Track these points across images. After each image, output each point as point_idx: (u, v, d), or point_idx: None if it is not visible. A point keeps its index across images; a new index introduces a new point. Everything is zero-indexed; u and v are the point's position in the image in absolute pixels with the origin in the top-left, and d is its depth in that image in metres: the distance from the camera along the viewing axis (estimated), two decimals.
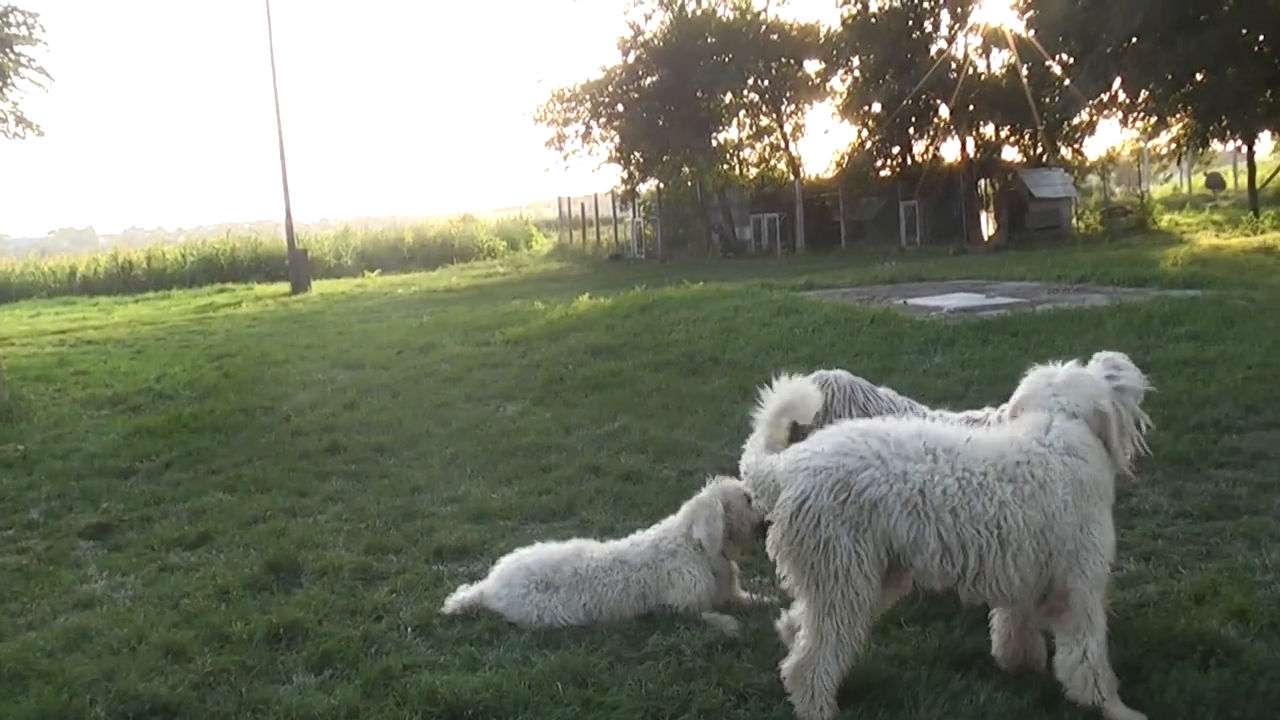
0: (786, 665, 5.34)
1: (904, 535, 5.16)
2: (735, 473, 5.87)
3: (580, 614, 6.69)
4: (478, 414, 13.04)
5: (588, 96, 49.05)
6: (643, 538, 7.15)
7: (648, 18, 48.65)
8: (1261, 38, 38.85)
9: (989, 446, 5.33)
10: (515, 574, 6.87)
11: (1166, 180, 63.43)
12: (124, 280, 50.35)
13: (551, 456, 10.77)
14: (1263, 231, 32.90)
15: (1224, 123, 40.81)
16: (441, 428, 12.37)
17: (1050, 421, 5.42)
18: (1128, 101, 42.19)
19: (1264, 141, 49.35)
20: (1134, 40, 37.85)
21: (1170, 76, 38.27)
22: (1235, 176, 56.53)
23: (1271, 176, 52.45)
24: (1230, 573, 6.73)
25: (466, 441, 11.65)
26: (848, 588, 5.17)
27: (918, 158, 46.76)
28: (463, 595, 7.00)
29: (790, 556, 5.28)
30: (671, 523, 7.20)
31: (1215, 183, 60.42)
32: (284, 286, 41.31)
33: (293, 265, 41.95)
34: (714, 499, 7.06)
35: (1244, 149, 44.75)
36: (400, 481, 10.25)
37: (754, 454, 5.55)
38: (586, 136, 49.59)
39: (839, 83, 48.39)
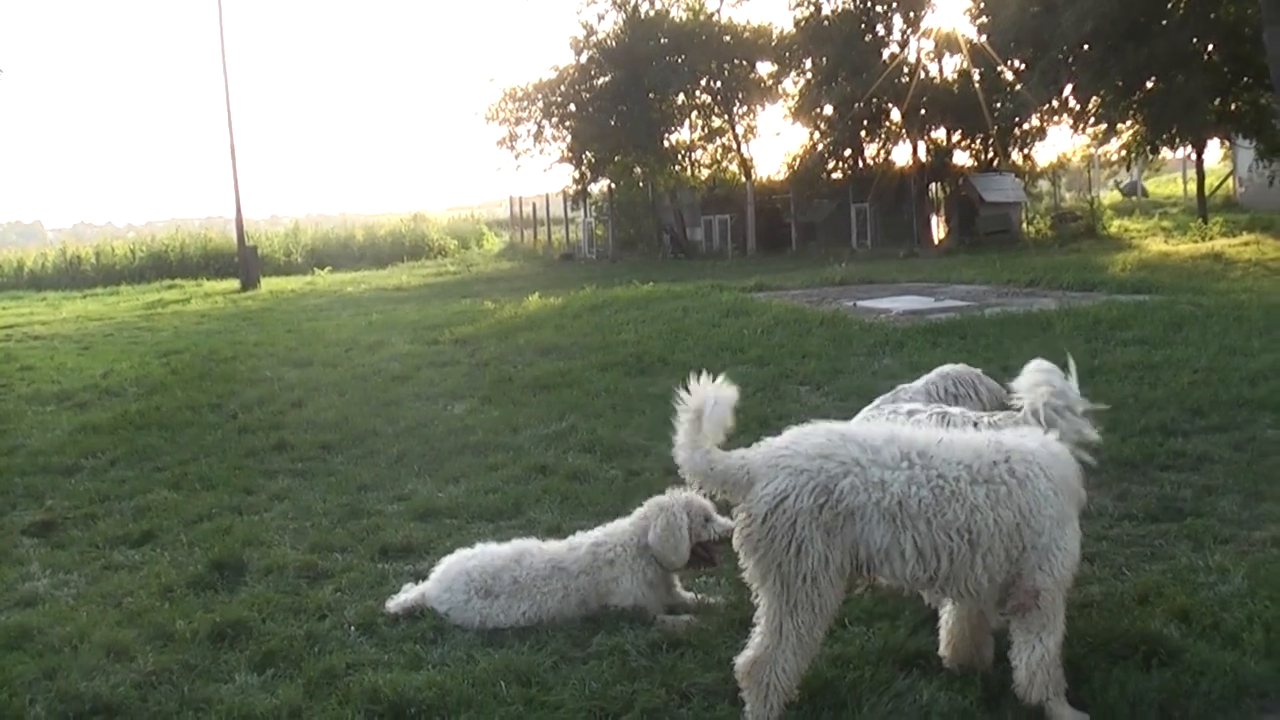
0: (741, 660, 5.30)
1: (877, 543, 5.16)
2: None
3: (521, 620, 6.63)
4: (426, 412, 13.02)
5: (540, 96, 49.03)
6: (581, 540, 7.07)
7: (600, 18, 48.67)
8: (1211, 46, 39.21)
9: (964, 448, 5.36)
10: (457, 579, 6.80)
11: (1117, 186, 63.85)
12: (72, 276, 50.05)
13: (499, 455, 10.75)
14: (1211, 238, 33.19)
15: (1173, 130, 41.10)
16: (389, 426, 12.34)
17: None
18: (1078, 108, 42.47)
19: (1213, 149, 49.85)
20: (1085, 47, 38.14)
21: (1120, 83, 38.56)
22: (1185, 184, 56.98)
23: (1220, 184, 52.96)
24: (1174, 574, 6.80)
25: (414, 440, 11.62)
26: (814, 590, 5.15)
27: (869, 161, 46.94)
28: (404, 597, 6.96)
29: (759, 551, 5.22)
30: (616, 527, 7.13)
31: (1131, 191, 60.92)
32: (234, 283, 41.15)
33: (242, 262, 41.77)
34: (678, 510, 6.95)
35: (1193, 156, 45.13)
36: (347, 479, 10.21)
37: (695, 449, 5.43)
38: (538, 136, 49.56)
39: (791, 85, 48.60)
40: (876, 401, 7.42)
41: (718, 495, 5.51)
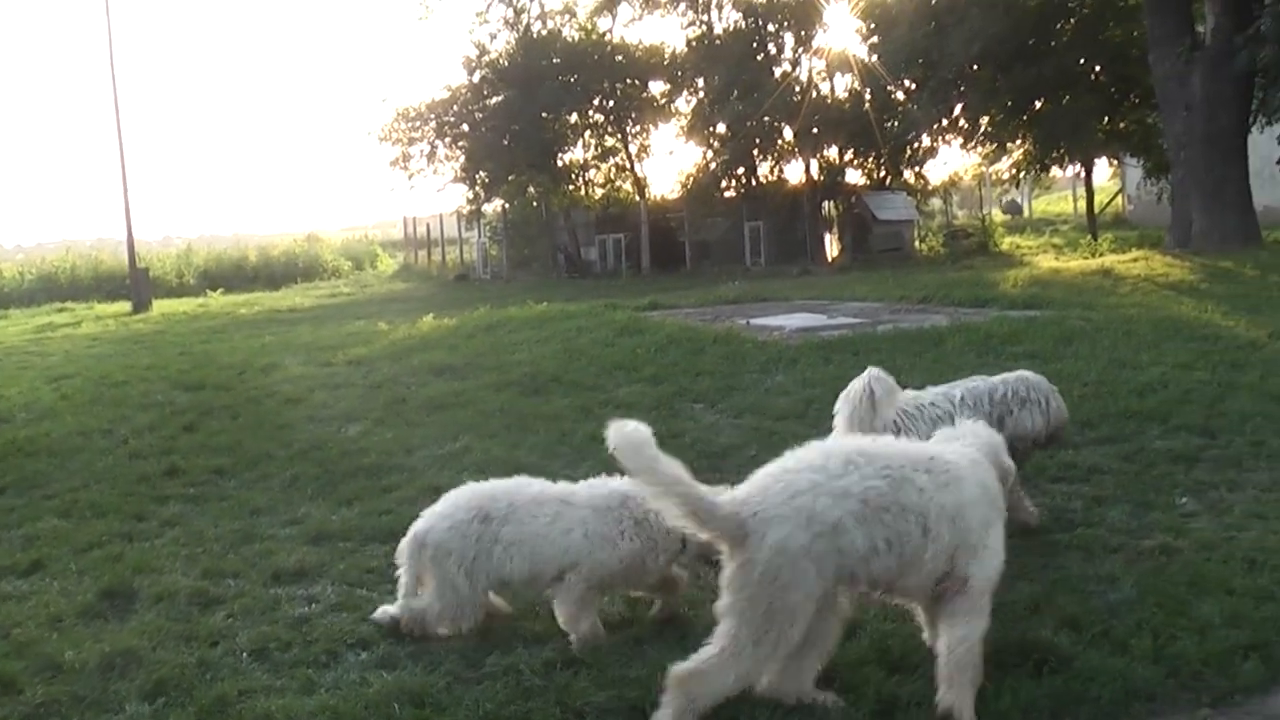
0: (680, 668, 5.34)
1: (860, 547, 5.34)
2: None
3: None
4: (319, 435, 12.92)
5: (433, 116, 49.03)
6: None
7: (493, 37, 48.81)
8: (1098, 67, 39.99)
9: (897, 447, 5.81)
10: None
11: (1013, 203, 64.72)
12: None
13: (393, 477, 10.71)
14: (1101, 255, 33.63)
15: (1062, 148, 41.80)
16: (282, 449, 12.23)
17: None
18: (969, 126, 43.06)
19: (1102, 167, 50.73)
20: (974, 67, 38.69)
21: (1010, 103, 39.23)
22: (1075, 201, 57.81)
23: (1110, 201, 53.83)
24: (1064, 583, 6.94)
25: (307, 463, 11.53)
26: (792, 623, 5.31)
27: (763, 179, 47.31)
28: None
29: (752, 593, 5.31)
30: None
31: (1012, 208, 61.78)
32: (125, 306, 40.57)
33: (134, 284, 41.21)
34: None
35: (1083, 174, 45.88)
36: (240, 504, 10.12)
37: (685, 496, 5.51)
38: (432, 156, 49.59)
39: (684, 104, 49.05)
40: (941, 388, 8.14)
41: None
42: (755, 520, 5.36)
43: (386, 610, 6.93)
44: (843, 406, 7.88)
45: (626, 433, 5.47)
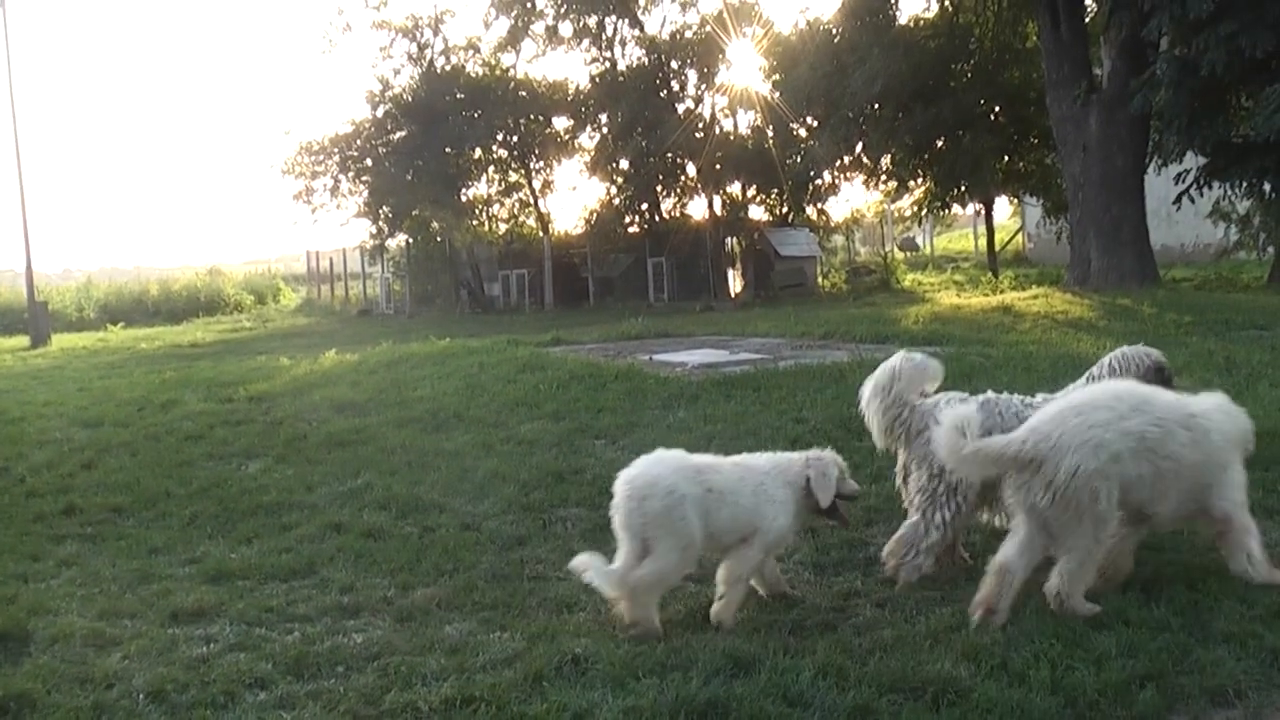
0: (1050, 583, 6.90)
1: (1130, 476, 6.91)
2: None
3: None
4: (219, 472, 12.82)
5: (336, 150, 48.85)
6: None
7: (396, 72, 48.79)
8: (997, 109, 40.62)
9: (1168, 400, 7.34)
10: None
11: (915, 238, 65.33)
12: None
13: (293, 514, 10.64)
14: (1001, 291, 34.05)
15: (962, 187, 42.34)
16: (182, 487, 12.11)
17: None
18: (870, 164, 43.53)
19: (1003, 206, 51.43)
20: (875, 106, 39.15)
21: (910, 142, 39.67)
22: (976, 239, 58.50)
23: (1010, 239, 54.53)
24: (964, 615, 6.99)
25: (207, 501, 11.44)
26: (1104, 528, 6.90)
27: (666, 215, 47.51)
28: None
29: (1068, 506, 6.79)
30: (781, 459, 7.83)
31: (908, 245, 62.47)
32: (23, 340, 39.96)
33: (32, 318, 40.61)
34: (831, 461, 7.69)
35: (983, 213, 46.44)
36: (138, 543, 10.00)
37: (987, 449, 6.97)
38: (335, 190, 49.38)
39: (588, 140, 49.16)
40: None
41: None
42: (1053, 450, 6.81)
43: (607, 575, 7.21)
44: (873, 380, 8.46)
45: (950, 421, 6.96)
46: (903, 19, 41.98)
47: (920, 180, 43.98)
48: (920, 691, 5.93)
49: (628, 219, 47.92)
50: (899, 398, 8.20)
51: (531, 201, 51.47)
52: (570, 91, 49.03)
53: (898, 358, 8.39)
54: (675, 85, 47.05)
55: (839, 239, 51.48)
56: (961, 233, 68.57)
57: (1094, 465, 6.77)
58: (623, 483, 7.36)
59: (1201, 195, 31.88)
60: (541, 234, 49.96)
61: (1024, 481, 6.90)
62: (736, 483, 7.45)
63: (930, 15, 42.70)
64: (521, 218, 52.46)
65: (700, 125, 46.02)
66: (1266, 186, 30.73)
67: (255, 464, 13.13)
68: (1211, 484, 7.17)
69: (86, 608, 8.23)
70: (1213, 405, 7.38)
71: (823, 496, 7.52)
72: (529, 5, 47.07)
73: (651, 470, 7.35)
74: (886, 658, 6.38)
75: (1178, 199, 31.63)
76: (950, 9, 41.62)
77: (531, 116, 49.14)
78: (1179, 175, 31.26)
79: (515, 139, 49.58)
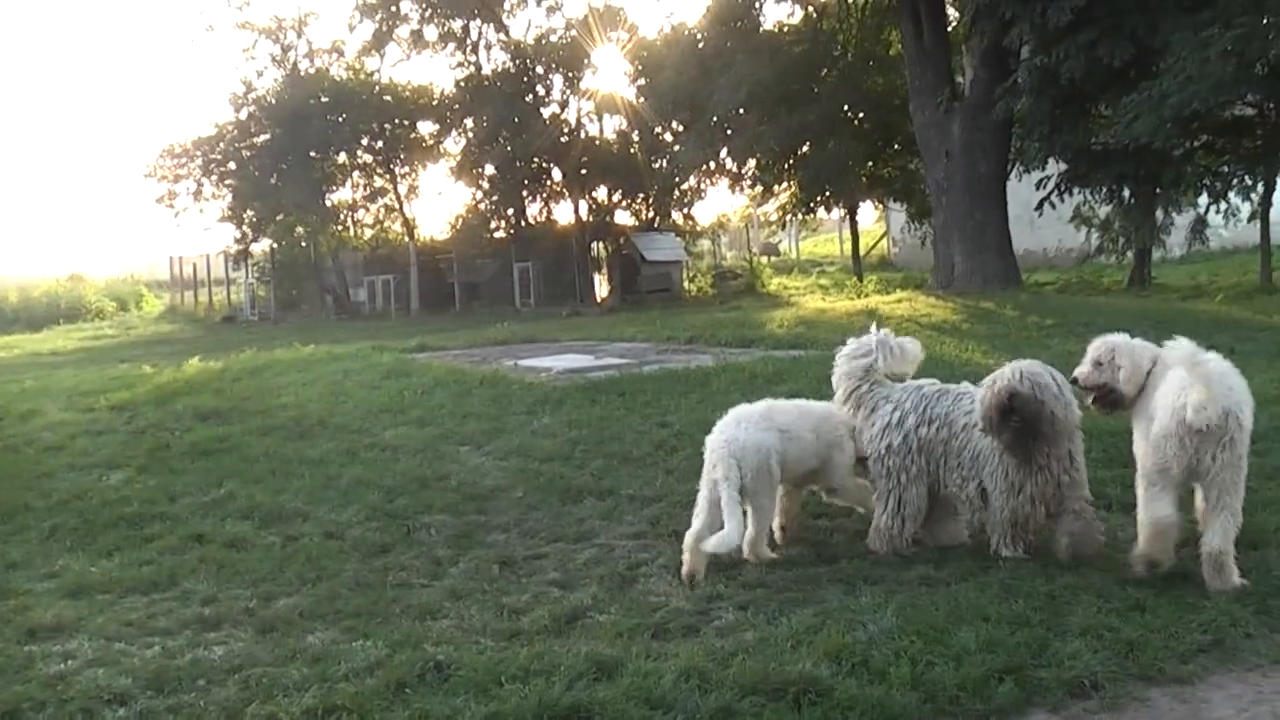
0: (1212, 543, 7.27)
1: None
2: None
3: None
4: (80, 484, 12.58)
5: (199, 153, 48.33)
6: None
7: (260, 74, 48.41)
8: (861, 115, 41.02)
9: None
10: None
11: (778, 243, 65.79)
12: None
13: (155, 526, 10.48)
14: (866, 295, 34.32)
15: (827, 193, 42.72)
16: (41, 500, 11.89)
17: None
18: (735, 169, 43.78)
19: (869, 211, 52.01)
20: (740, 111, 39.35)
21: (775, 147, 39.89)
22: (841, 244, 59.05)
23: (875, 244, 55.13)
24: (826, 615, 7.08)
25: (67, 513, 11.23)
26: None
27: (532, 220, 47.53)
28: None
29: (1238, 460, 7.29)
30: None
31: (769, 250, 63.03)
32: None
33: None
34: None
35: (847, 217, 46.90)
36: None
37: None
38: (198, 194, 48.86)
39: (453, 144, 49.00)
40: None
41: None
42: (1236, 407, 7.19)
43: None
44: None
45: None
46: (768, 25, 42.33)
47: (785, 185, 44.34)
48: (782, 692, 5.99)
49: (494, 224, 47.85)
50: (862, 371, 9.07)
51: (397, 206, 51.24)
52: (435, 96, 48.94)
53: (877, 334, 9.20)
54: (541, 90, 47.07)
55: (705, 243, 51.80)
56: (827, 237, 69.18)
57: (1250, 427, 7.41)
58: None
59: (1063, 201, 32.53)
60: (407, 239, 49.77)
61: (1196, 446, 7.25)
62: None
63: (795, 21, 43.06)
64: (387, 223, 52.20)
65: (566, 130, 46.12)
66: (1126, 192, 31.43)
67: (117, 475, 12.92)
68: None
69: None
70: None
71: None
72: (394, 9, 46.92)
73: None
74: (749, 659, 6.42)
75: (1040, 204, 32.24)
76: (814, 15, 42.00)
77: (397, 121, 48.96)
78: (1041, 181, 31.84)
79: (380, 143, 49.31)
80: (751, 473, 8.32)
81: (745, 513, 8.30)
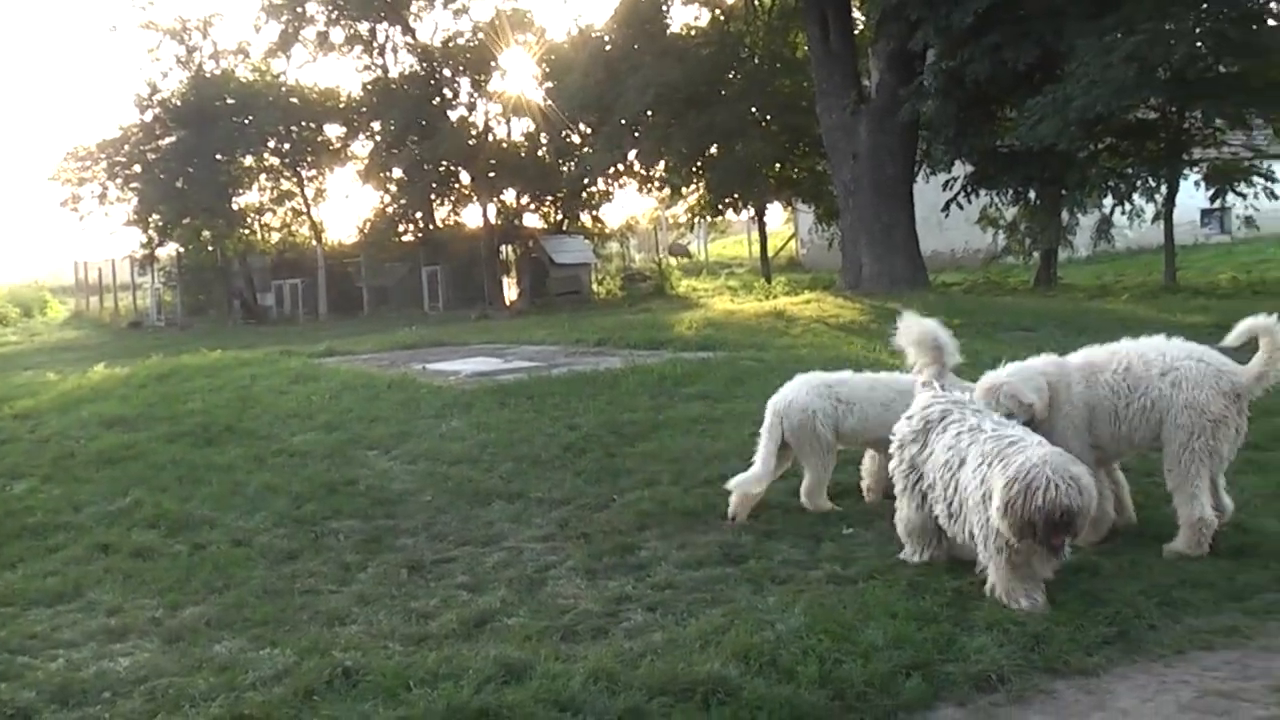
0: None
1: None
2: None
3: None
4: None
5: (104, 156, 47.82)
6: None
7: (165, 75, 47.90)
8: (769, 116, 41.21)
9: None
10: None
11: (687, 244, 65.87)
12: None
13: (59, 536, 10.35)
14: (775, 297, 34.43)
15: (735, 194, 42.88)
16: None
17: None
18: (644, 171, 43.84)
19: (777, 212, 52.21)
20: (648, 113, 39.44)
21: (684, 149, 40.01)
22: (750, 245, 59.23)
23: (784, 245, 55.37)
24: (734, 616, 7.11)
25: None
26: None
27: (440, 223, 47.38)
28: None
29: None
30: None
31: (678, 251, 63.22)
32: None
33: None
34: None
35: (756, 219, 47.07)
36: None
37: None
38: (103, 198, 48.32)
39: (361, 147, 48.70)
40: None
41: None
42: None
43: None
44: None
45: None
46: (675, 27, 42.52)
47: (694, 187, 44.49)
48: (690, 692, 6.02)
49: (402, 228, 47.66)
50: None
51: (304, 210, 50.97)
52: (343, 99, 48.69)
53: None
54: (448, 92, 46.91)
55: (614, 246, 51.84)
56: (736, 239, 69.27)
57: None
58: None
59: (970, 202, 32.95)
60: (315, 243, 49.50)
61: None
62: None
63: (702, 24, 43.27)
64: (295, 227, 51.90)
65: (474, 133, 46.00)
66: (1031, 194, 31.92)
67: (20, 484, 12.73)
68: None
69: None
70: None
71: None
72: (300, 10, 46.55)
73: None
74: (657, 660, 6.45)
75: (946, 206, 32.63)
76: (722, 18, 42.21)
77: (303, 124, 48.66)
78: (948, 183, 32.20)
79: (287, 146, 48.98)
80: (793, 430, 9.62)
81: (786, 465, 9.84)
